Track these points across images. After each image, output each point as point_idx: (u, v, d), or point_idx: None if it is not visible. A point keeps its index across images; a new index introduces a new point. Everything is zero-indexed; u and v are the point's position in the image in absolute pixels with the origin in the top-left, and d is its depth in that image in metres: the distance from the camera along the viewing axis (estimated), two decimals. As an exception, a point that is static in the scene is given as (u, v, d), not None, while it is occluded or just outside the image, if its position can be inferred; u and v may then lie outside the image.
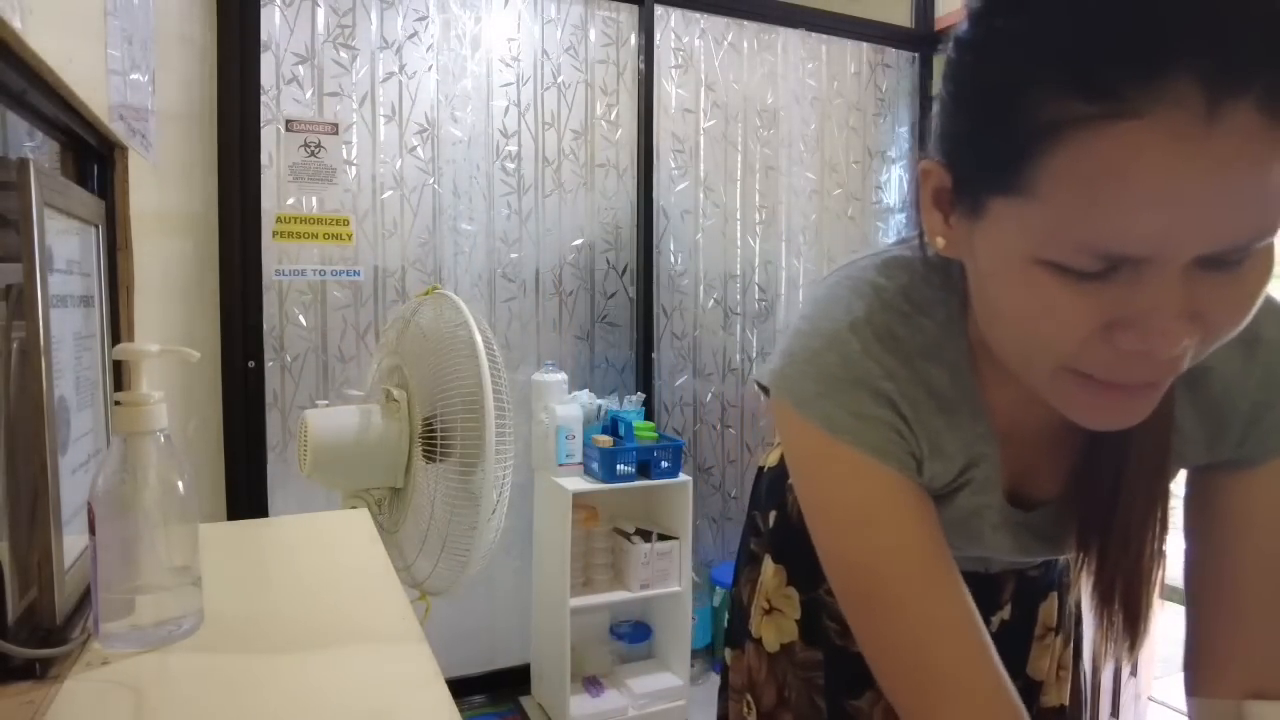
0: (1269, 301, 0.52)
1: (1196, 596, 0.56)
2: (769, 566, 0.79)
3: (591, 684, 2.17)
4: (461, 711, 0.53)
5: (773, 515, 0.80)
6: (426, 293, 1.51)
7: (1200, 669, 0.55)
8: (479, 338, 1.33)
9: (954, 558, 0.62)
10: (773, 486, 0.80)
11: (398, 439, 1.40)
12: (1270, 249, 0.40)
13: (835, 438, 0.52)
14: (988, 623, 0.68)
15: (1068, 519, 0.58)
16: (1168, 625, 2.73)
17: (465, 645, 2.24)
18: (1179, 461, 0.56)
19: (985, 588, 0.70)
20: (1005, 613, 0.72)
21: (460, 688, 2.23)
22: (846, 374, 0.53)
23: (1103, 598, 0.55)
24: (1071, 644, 0.77)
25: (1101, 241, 0.38)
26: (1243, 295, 0.41)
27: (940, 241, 0.49)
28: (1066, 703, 0.75)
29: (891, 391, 0.53)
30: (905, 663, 0.51)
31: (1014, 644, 0.73)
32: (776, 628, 0.78)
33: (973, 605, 0.52)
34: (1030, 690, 0.74)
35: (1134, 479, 0.53)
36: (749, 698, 0.80)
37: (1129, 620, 0.55)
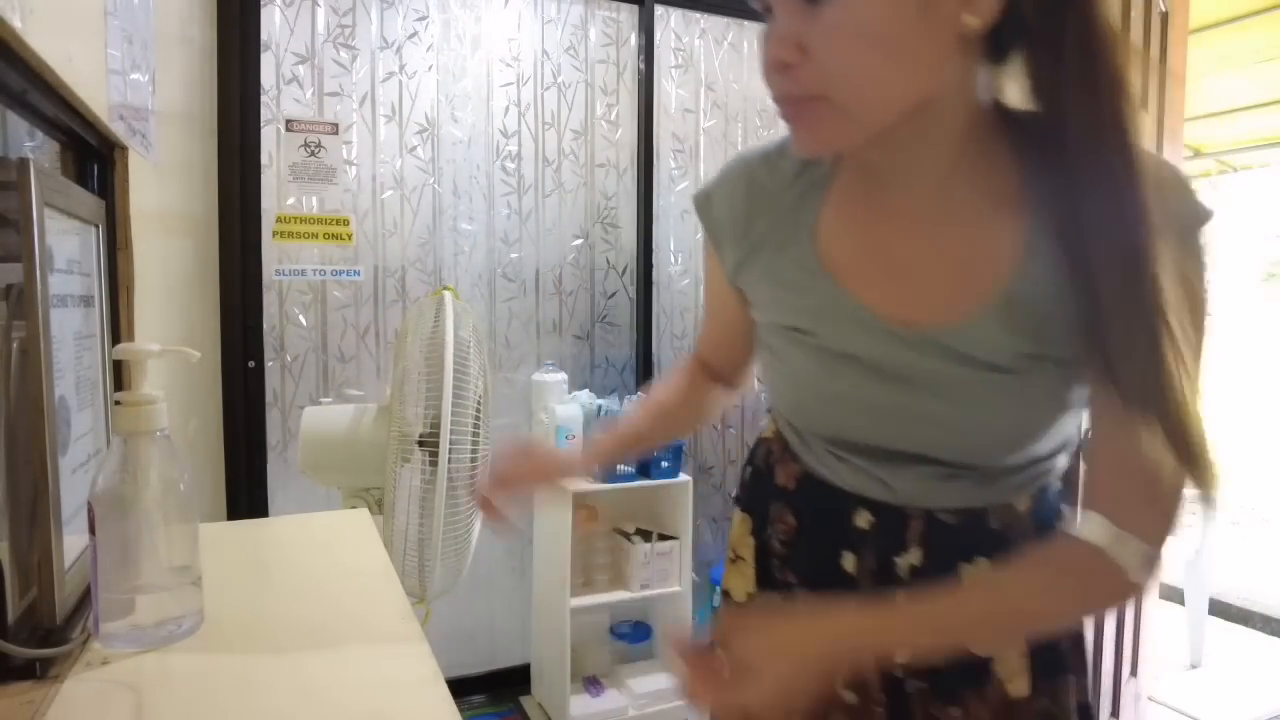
0: (1161, 163, 0.56)
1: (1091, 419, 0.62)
2: (737, 516, 0.84)
3: (591, 684, 2.17)
4: (461, 711, 0.53)
5: (748, 470, 0.85)
6: (436, 294, 1.51)
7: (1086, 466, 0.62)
8: (449, 337, 1.34)
9: (857, 472, 0.70)
10: (755, 448, 0.86)
11: (386, 439, 1.40)
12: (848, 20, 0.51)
13: (699, 211, 0.75)
14: (893, 564, 0.69)
15: (1012, 335, 0.59)
16: (1166, 624, 2.74)
17: (465, 645, 2.24)
18: None
19: (891, 520, 0.69)
20: (914, 556, 0.68)
21: (460, 687, 2.23)
22: (723, 176, 0.74)
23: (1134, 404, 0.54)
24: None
25: None
26: (834, 29, 0.51)
27: None
28: (1026, 695, 0.68)
29: (740, 198, 0.71)
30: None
31: None
32: (740, 576, 0.81)
33: (728, 335, 0.81)
34: (978, 665, 0.68)
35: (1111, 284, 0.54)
36: (719, 652, 0.80)
37: (1182, 449, 0.53)
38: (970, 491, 0.67)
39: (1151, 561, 0.57)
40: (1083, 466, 0.63)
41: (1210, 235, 0.55)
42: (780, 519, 0.77)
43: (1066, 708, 0.69)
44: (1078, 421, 0.67)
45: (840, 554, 0.72)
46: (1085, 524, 0.58)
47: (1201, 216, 0.56)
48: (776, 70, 0.54)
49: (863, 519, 0.70)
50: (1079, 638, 0.72)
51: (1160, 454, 0.53)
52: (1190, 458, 0.53)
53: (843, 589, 0.71)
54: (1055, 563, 0.59)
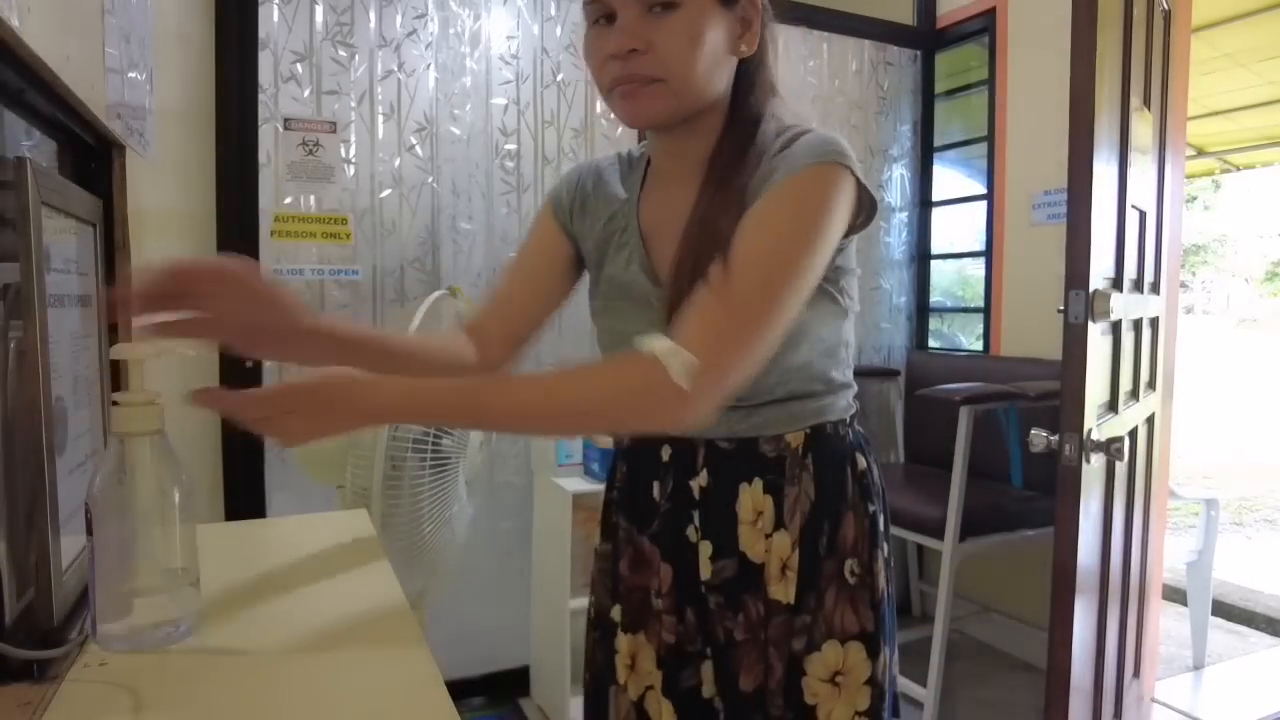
0: (809, 131, 0.77)
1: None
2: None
3: (592, 684, 2.17)
4: (460, 713, 0.52)
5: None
6: (455, 290, 1.52)
7: None
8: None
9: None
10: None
11: (373, 439, 1.39)
12: (690, 10, 0.73)
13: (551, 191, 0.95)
14: (688, 487, 0.85)
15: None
16: (1169, 626, 2.73)
17: (464, 647, 2.24)
18: None
19: (684, 450, 0.85)
20: (703, 479, 0.84)
21: (459, 689, 2.23)
22: (573, 170, 0.94)
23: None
24: (800, 553, 0.82)
25: None
26: (675, 33, 0.73)
27: None
28: (792, 601, 0.82)
29: (576, 182, 0.92)
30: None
31: (718, 513, 0.84)
32: (600, 532, 0.97)
33: (522, 285, 0.92)
34: (750, 571, 0.83)
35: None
36: (591, 598, 0.97)
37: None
38: (738, 423, 0.82)
39: (704, 375, 0.66)
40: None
41: (822, 164, 0.73)
42: (617, 473, 0.94)
43: (846, 629, 0.82)
44: (826, 363, 0.83)
45: (651, 485, 0.88)
46: (648, 340, 0.68)
47: (814, 154, 0.74)
48: (624, 55, 0.74)
49: (665, 453, 0.87)
50: (870, 575, 0.84)
51: (738, 276, 0.69)
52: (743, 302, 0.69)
53: (650, 512, 0.87)
54: (604, 364, 0.75)
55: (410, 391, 0.66)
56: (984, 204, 2.60)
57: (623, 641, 0.89)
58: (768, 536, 0.83)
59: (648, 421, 0.71)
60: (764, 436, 0.83)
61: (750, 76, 0.82)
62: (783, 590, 0.82)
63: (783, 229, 0.71)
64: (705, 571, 0.85)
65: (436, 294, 1.53)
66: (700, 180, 0.81)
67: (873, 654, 0.83)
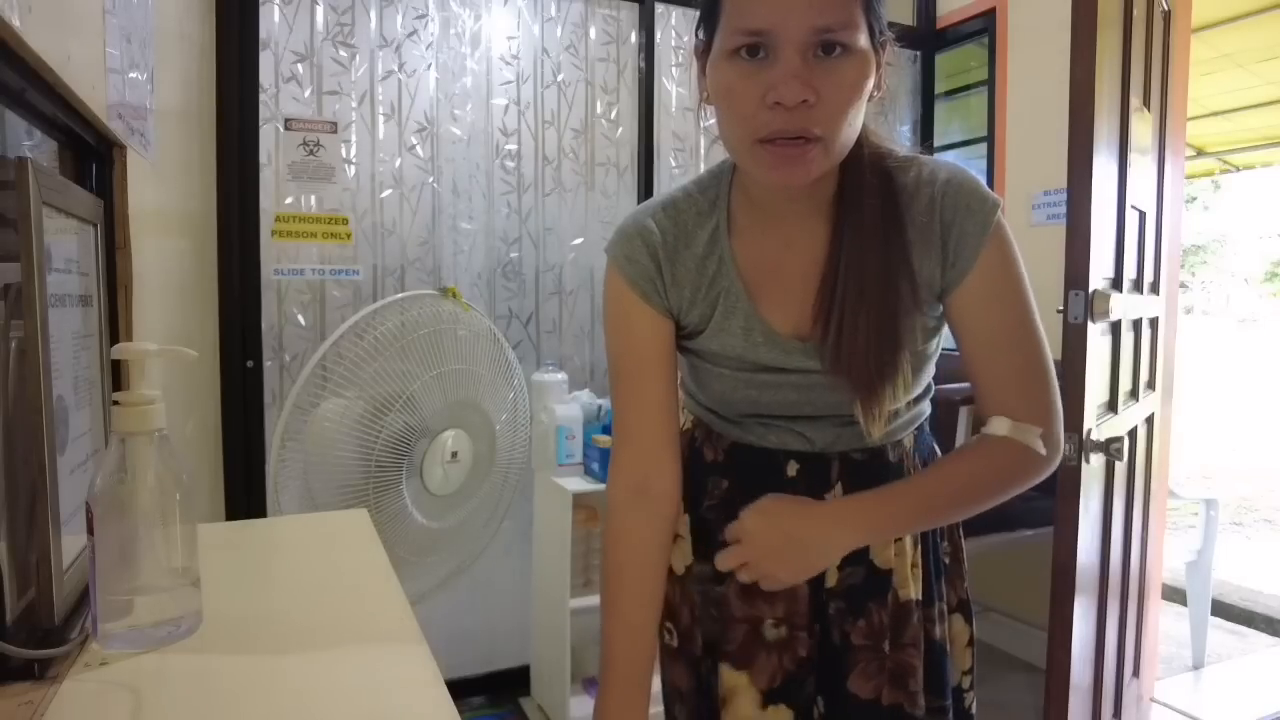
0: (940, 162, 0.78)
1: (965, 370, 0.81)
2: None
3: (591, 685, 2.17)
4: (461, 713, 0.53)
5: None
6: (451, 291, 1.53)
7: (976, 405, 0.82)
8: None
9: (780, 432, 0.85)
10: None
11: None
12: (860, 58, 0.66)
13: (616, 269, 0.82)
14: (823, 498, 0.84)
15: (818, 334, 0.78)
16: (1168, 625, 2.73)
17: (464, 646, 2.24)
18: (929, 296, 0.78)
19: (815, 464, 0.84)
20: (838, 491, 0.84)
21: (459, 689, 2.23)
22: (632, 229, 0.82)
23: (845, 376, 0.76)
24: (921, 548, 0.86)
25: (744, 21, 0.65)
26: (844, 86, 0.66)
27: (706, 94, 0.74)
28: (918, 598, 0.84)
29: (657, 246, 0.81)
30: (618, 415, 0.86)
31: None
32: (679, 552, 0.90)
33: (669, 400, 0.84)
34: (882, 579, 0.84)
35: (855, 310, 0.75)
36: (669, 624, 0.92)
37: (865, 381, 0.75)
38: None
39: (1048, 438, 0.77)
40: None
41: (999, 214, 0.76)
42: (714, 488, 0.88)
43: (948, 602, 0.89)
44: (931, 369, 0.85)
45: None
46: (990, 426, 0.77)
47: (987, 206, 0.75)
48: (794, 107, 0.65)
49: (791, 468, 0.85)
50: (958, 551, 0.91)
51: (1024, 361, 0.77)
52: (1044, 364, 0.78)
53: None
54: (978, 454, 0.78)
55: (871, 524, 0.78)
56: (984, 204, 2.60)
57: (726, 675, 0.85)
58: (897, 540, 0.84)
59: (1024, 488, 0.80)
60: (890, 444, 0.85)
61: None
62: (910, 587, 0.85)
63: (1021, 297, 0.78)
64: (831, 579, 0.84)
65: (405, 294, 1.53)
66: (824, 221, 0.78)
67: (968, 620, 0.92)
